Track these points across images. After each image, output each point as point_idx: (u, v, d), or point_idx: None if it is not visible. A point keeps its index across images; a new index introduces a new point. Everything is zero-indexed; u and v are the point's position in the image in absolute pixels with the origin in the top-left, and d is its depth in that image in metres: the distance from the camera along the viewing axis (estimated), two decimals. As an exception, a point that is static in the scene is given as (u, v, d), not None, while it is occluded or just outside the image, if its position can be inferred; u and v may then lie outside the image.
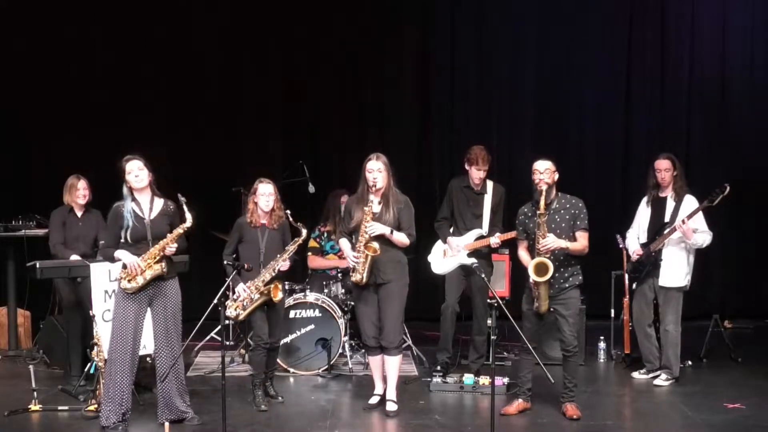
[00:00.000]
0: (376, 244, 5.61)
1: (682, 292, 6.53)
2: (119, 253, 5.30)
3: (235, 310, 5.92)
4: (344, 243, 5.91)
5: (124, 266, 5.28)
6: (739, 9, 9.25)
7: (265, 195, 5.93)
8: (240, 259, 5.96)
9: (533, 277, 5.50)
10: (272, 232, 5.97)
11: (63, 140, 8.60)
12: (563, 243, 5.56)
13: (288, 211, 6.06)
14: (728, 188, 6.29)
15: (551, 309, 5.65)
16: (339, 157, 9.18)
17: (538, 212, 5.54)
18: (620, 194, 9.18)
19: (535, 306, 5.59)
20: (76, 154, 8.14)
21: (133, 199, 5.36)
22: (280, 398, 6.16)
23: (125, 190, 5.38)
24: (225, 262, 6.01)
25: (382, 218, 5.67)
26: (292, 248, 5.92)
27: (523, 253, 5.79)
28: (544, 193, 5.52)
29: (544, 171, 5.61)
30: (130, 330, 5.33)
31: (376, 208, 5.69)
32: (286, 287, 6.64)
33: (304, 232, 6.01)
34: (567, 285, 5.67)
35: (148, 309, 5.42)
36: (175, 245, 5.34)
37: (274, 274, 5.88)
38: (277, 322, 6.10)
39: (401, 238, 5.72)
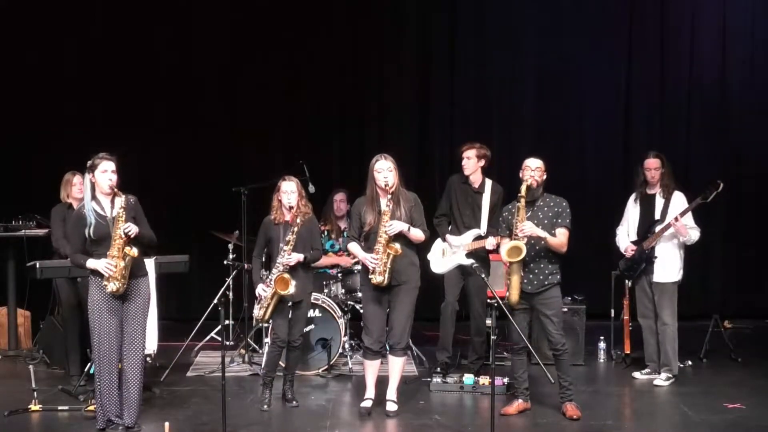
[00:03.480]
0: (397, 245, 5.58)
1: (677, 286, 6.55)
2: (90, 263, 5.19)
3: (259, 310, 5.93)
4: (354, 247, 5.81)
5: (100, 273, 5.18)
6: (739, 9, 9.25)
7: (287, 192, 5.92)
8: (270, 258, 5.98)
9: (505, 257, 5.52)
10: (294, 228, 5.91)
11: (63, 140, 8.58)
12: (541, 232, 5.58)
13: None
14: (721, 185, 6.37)
15: (530, 307, 5.66)
16: (339, 157, 9.19)
17: (518, 195, 5.57)
18: (620, 194, 9.09)
19: (506, 296, 5.59)
20: (76, 154, 8.08)
21: (93, 197, 5.28)
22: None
23: (88, 185, 5.27)
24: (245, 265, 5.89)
25: (394, 217, 5.63)
26: (291, 244, 5.91)
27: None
28: (527, 182, 5.59)
29: (535, 169, 5.67)
30: (105, 331, 5.22)
31: (387, 207, 5.62)
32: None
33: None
34: (546, 282, 5.67)
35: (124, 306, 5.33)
36: (135, 228, 5.18)
37: (281, 270, 5.85)
38: (296, 321, 6.03)
39: (418, 234, 5.72)
